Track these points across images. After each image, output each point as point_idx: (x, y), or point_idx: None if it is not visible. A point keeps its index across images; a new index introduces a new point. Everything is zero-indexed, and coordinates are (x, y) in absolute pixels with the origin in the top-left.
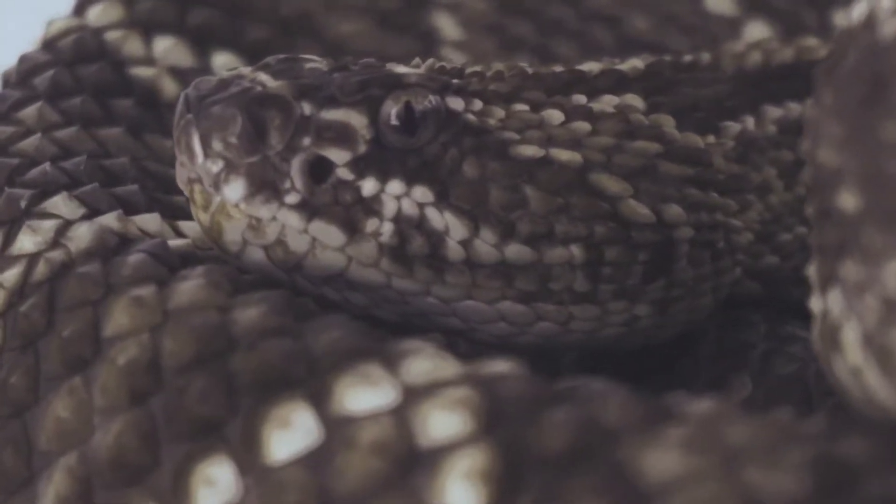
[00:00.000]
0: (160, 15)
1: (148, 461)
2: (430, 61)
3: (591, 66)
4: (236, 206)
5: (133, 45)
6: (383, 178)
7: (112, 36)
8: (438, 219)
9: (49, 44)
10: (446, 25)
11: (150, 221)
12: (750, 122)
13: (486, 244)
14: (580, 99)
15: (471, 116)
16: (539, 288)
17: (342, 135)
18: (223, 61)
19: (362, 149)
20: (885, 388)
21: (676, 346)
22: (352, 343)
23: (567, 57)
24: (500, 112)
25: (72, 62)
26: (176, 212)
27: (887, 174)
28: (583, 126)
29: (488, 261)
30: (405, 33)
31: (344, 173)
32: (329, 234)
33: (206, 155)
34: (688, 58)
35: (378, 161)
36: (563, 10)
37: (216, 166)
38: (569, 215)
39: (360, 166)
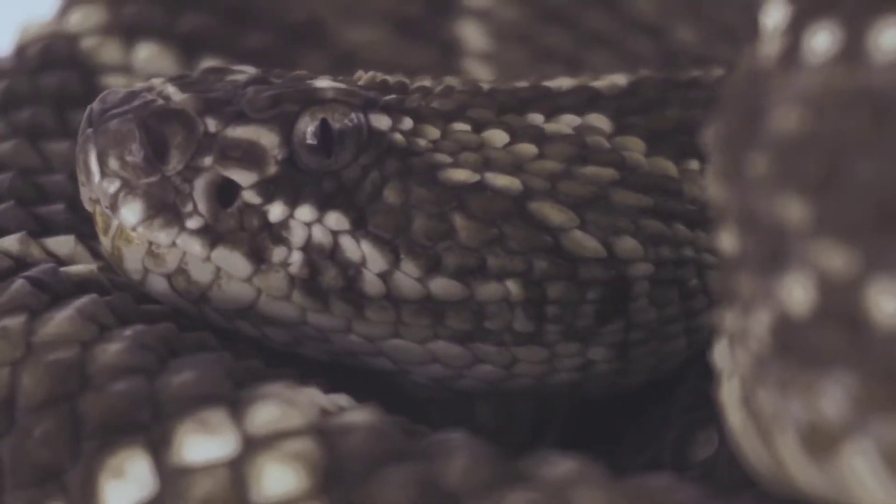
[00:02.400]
0: (147, 20)
1: None
2: (370, 74)
3: (561, 83)
4: (134, 230)
5: (109, 53)
6: (293, 203)
7: (88, 43)
8: (354, 248)
9: (20, 50)
10: (472, 35)
11: (62, 244)
12: None
13: (408, 277)
14: (536, 118)
15: (397, 136)
16: (474, 327)
17: (249, 154)
18: None
19: (272, 170)
20: (759, 457)
21: (650, 394)
22: (202, 387)
23: (603, 69)
24: (433, 132)
25: (36, 70)
26: None
27: (755, 213)
28: (528, 149)
29: (411, 296)
30: (425, 43)
31: (250, 196)
32: (234, 263)
33: (103, 174)
34: (694, 74)
35: (289, 184)
36: (601, 18)
37: (113, 186)
38: (504, 247)
39: (269, 189)
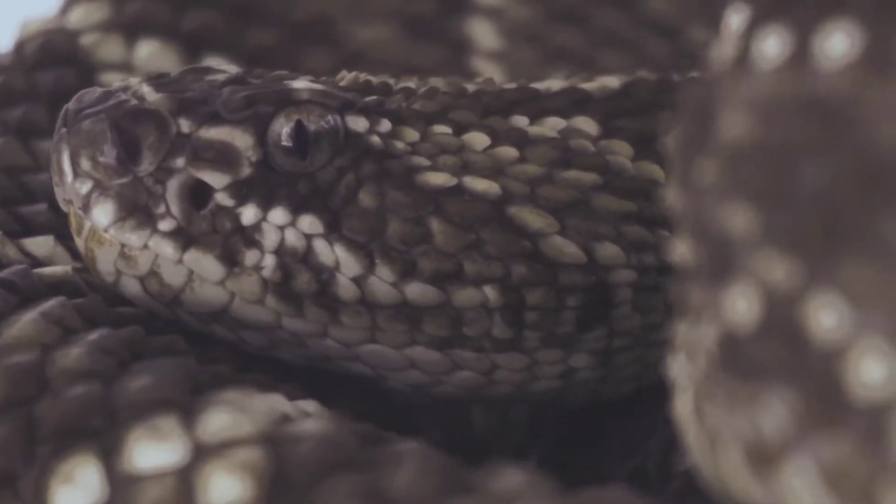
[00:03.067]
0: (150, 17)
1: None
2: (352, 75)
3: (551, 85)
4: (106, 231)
5: (109, 50)
6: (266, 206)
7: (88, 39)
8: (328, 252)
9: (19, 46)
10: (483, 33)
11: (41, 245)
12: None
13: (382, 282)
14: (520, 121)
15: (374, 138)
16: (452, 333)
17: (223, 156)
18: None
19: (246, 172)
20: (709, 470)
21: (640, 400)
22: (156, 393)
23: (616, 69)
24: (412, 134)
25: (34, 67)
26: None
27: (704, 222)
28: (509, 152)
29: (387, 301)
30: (434, 42)
31: (223, 198)
32: (206, 266)
33: (76, 174)
34: (692, 75)
35: (263, 186)
36: (615, 18)
37: (85, 187)
38: (481, 252)
39: (242, 191)
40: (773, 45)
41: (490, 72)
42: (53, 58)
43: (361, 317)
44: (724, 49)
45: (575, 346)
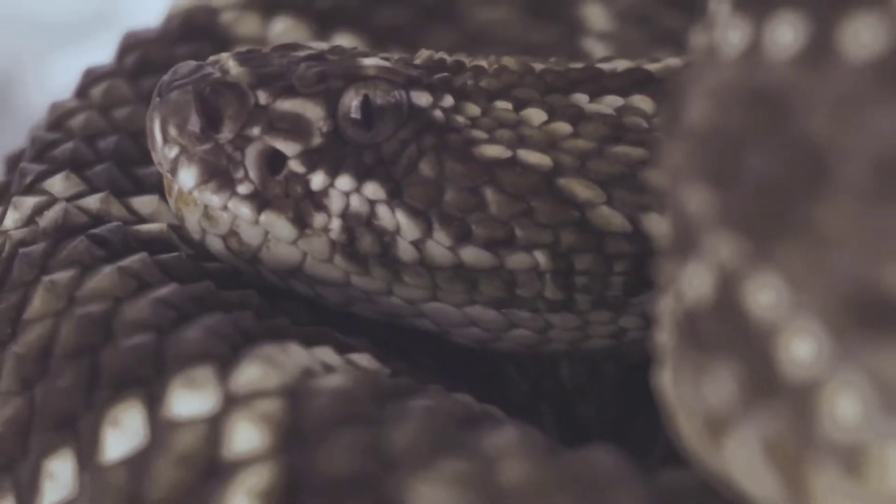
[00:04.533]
0: None
1: (16, 451)
2: (427, 53)
3: (616, 65)
4: (191, 193)
5: (246, 25)
6: (333, 173)
7: (227, 16)
8: (389, 217)
9: (165, 21)
10: (595, 15)
11: (147, 203)
12: None
13: (439, 246)
14: (580, 99)
15: (437, 113)
16: (507, 294)
17: (296, 126)
18: (343, 44)
19: (317, 141)
20: (683, 439)
21: None
22: (199, 345)
23: None
24: (474, 109)
25: (174, 40)
26: None
27: (673, 201)
28: (563, 128)
29: (443, 263)
30: (550, 22)
31: (296, 165)
32: (280, 227)
33: (165, 141)
34: None
35: (332, 155)
36: None
37: (173, 152)
38: (532, 220)
39: (313, 159)
40: (735, 35)
41: (599, 51)
42: (194, 32)
43: (422, 277)
44: (698, 37)
45: (624, 308)
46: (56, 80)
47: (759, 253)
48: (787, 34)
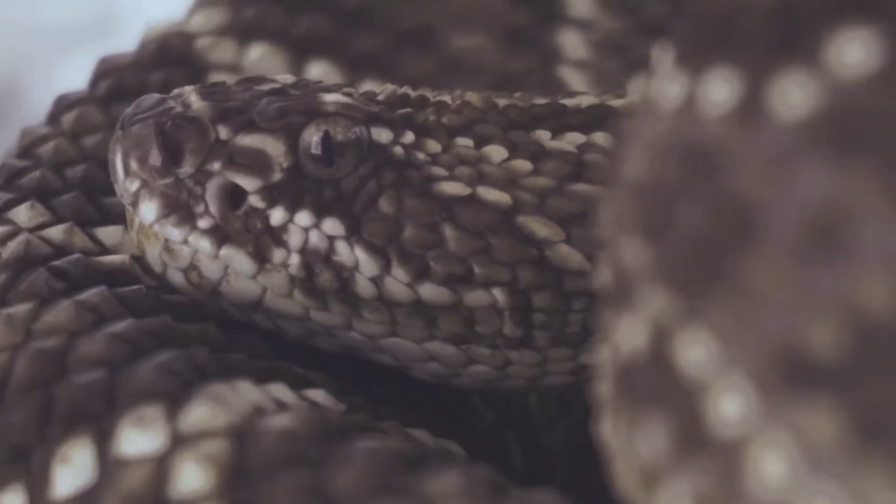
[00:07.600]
0: (264, 21)
1: None
2: (391, 88)
3: (580, 101)
4: (151, 226)
5: (221, 52)
6: (293, 208)
7: (203, 42)
8: (348, 253)
9: (140, 47)
10: (571, 43)
11: (111, 234)
12: None
13: (398, 283)
14: (542, 136)
15: (398, 149)
16: (466, 330)
17: (256, 161)
18: (318, 72)
19: (277, 177)
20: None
21: None
22: (150, 383)
23: None
24: (435, 146)
25: (148, 66)
26: None
27: (610, 251)
28: (523, 165)
29: (402, 299)
30: (527, 50)
31: (256, 201)
32: (239, 261)
33: (126, 174)
34: None
35: (292, 190)
36: None
37: (133, 186)
38: (491, 257)
39: (273, 195)
40: (673, 88)
41: (576, 80)
42: (168, 58)
43: (381, 313)
44: (643, 86)
45: (583, 345)
46: (60, 85)
47: (690, 308)
48: (721, 90)
